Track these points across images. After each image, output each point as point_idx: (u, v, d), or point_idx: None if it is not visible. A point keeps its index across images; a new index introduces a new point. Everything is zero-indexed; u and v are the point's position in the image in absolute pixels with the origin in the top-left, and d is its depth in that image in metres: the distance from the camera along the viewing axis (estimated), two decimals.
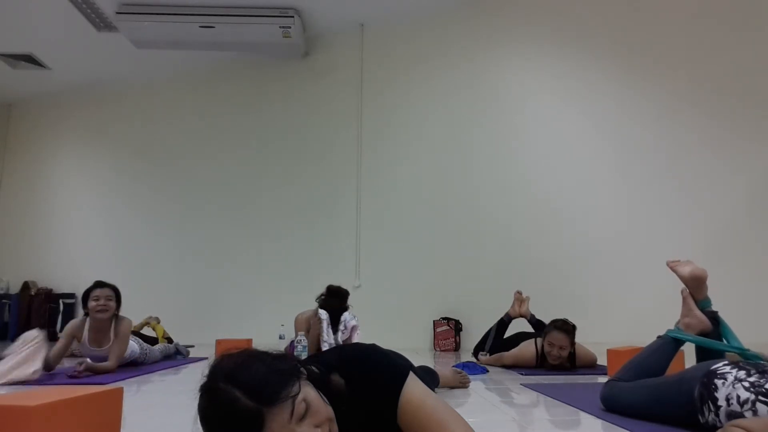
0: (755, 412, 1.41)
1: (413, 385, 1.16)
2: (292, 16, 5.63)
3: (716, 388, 1.55)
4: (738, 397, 1.48)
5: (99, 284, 3.39)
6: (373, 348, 1.25)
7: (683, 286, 2.15)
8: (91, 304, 3.30)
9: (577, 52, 5.80)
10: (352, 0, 5.85)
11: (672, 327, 2.13)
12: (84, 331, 3.33)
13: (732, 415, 1.47)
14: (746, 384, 1.48)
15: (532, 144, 5.80)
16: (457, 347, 5.34)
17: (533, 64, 5.94)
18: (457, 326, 5.42)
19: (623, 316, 5.04)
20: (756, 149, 5.19)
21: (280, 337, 3.95)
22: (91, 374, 3.05)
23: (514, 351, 3.61)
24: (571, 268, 5.43)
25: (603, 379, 2.59)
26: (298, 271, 5.95)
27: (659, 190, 5.39)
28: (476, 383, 2.89)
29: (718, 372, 1.59)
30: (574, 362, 3.42)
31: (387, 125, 6.18)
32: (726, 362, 1.64)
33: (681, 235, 5.18)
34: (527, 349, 3.53)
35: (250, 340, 4.59)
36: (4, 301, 6.71)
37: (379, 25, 6.26)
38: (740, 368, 1.56)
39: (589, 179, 5.59)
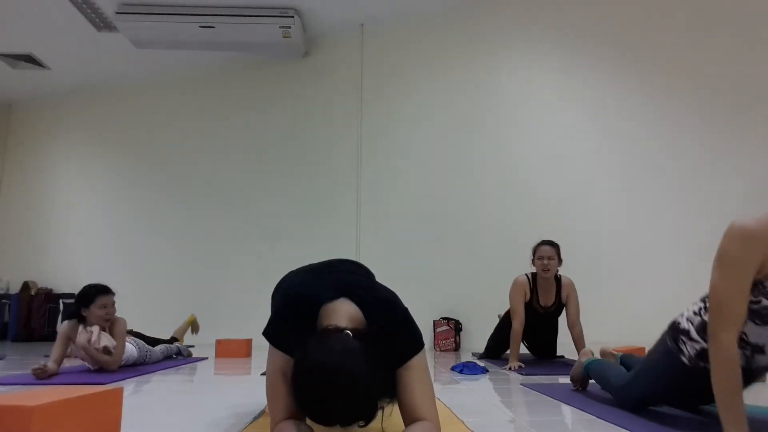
0: None
1: (423, 358, 1.50)
2: (292, 16, 5.63)
3: (679, 323, 1.74)
4: (694, 311, 1.68)
5: (105, 290, 3.37)
6: (405, 308, 1.62)
7: (604, 346, 2.60)
8: (99, 312, 3.30)
9: (579, 52, 5.80)
10: (352, 0, 5.85)
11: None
12: (78, 332, 3.32)
13: (702, 327, 1.63)
14: (695, 303, 1.72)
15: (532, 144, 5.79)
16: (457, 347, 5.34)
17: (534, 64, 5.94)
18: (457, 326, 5.42)
19: (623, 316, 5.03)
20: (756, 149, 5.19)
21: None
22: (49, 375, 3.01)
23: (511, 301, 3.84)
24: (572, 268, 5.40)
25: None
26: None
27: (660, 190, 5.39)
28: (476, 383, 2.88)
29: (675, 319, 1.79)
30: (561, 307, 3.87)
31: (387, 125, 6.18)
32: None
33: (681, 235, 5.17)
34: (519, 279, 3.85)
35: (250, 340, 4.61)
36: (4, 301, 6.71)
37: (379, 25, 6.26)
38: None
39: (590, 179, 5.59)
